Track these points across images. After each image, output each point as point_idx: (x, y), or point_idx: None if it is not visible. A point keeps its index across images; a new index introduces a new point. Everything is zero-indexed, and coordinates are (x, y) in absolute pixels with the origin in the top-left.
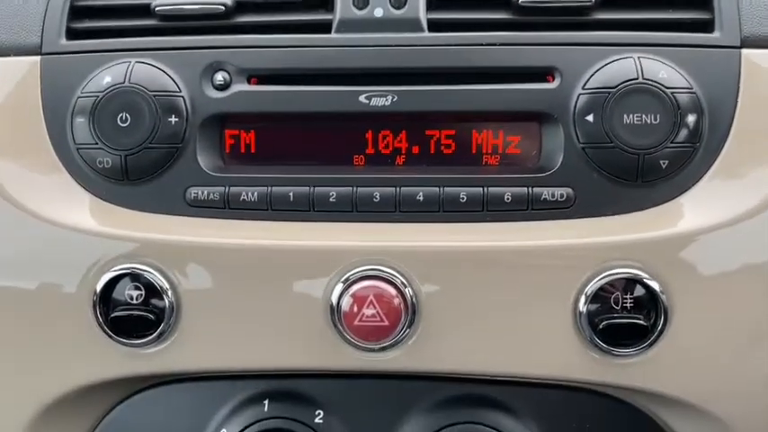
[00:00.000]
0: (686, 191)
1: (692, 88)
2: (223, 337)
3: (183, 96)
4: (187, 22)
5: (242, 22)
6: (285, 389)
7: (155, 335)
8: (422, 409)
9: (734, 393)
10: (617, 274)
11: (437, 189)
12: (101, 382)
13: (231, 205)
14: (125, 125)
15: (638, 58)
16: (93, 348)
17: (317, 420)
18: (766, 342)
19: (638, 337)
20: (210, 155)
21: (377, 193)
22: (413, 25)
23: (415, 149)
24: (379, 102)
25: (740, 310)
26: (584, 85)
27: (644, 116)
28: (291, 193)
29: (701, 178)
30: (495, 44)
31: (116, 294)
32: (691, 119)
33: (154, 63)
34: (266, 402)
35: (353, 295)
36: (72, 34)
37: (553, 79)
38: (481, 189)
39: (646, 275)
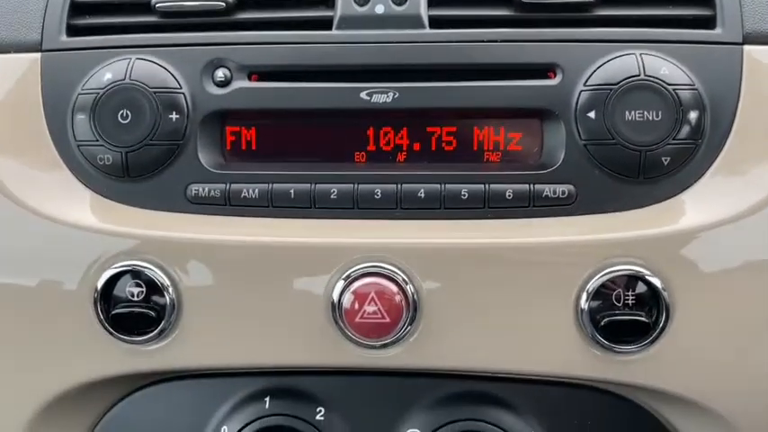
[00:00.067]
0: (688, 188)
1: (693, 85)
2: (224, 334)
3: (183, 93)
4: (188, 18)
5: (243, 19)
6: (286, 386)
7: (156, 332)
8: (423, 406)
9: (736, 390)
10: (619, 270)
11: (438, 186)
12: (102, 380)
13: (232, 202)
14: (126, 122)
15: (640, 54)
16: (94, 345)
17: (318, 417)
18: None
19: (640, 334)
20: (211, 152)
21: (378, 189)
22: (414, 22)
23: (417, 146)
24: (380, 98)
25: (742, 307)
26: (586, 81)
27: (646, 113)
28: (292, 190)
29: (702, 175)
30: (496, 41)
31: (117, 291)
32: (692, 115)
33: (154, 60)
34: (267, 399)
35: (355, 292)
36: (72, 31)
37: (555, 76)
38: (482, 186)
39: (647, 272)
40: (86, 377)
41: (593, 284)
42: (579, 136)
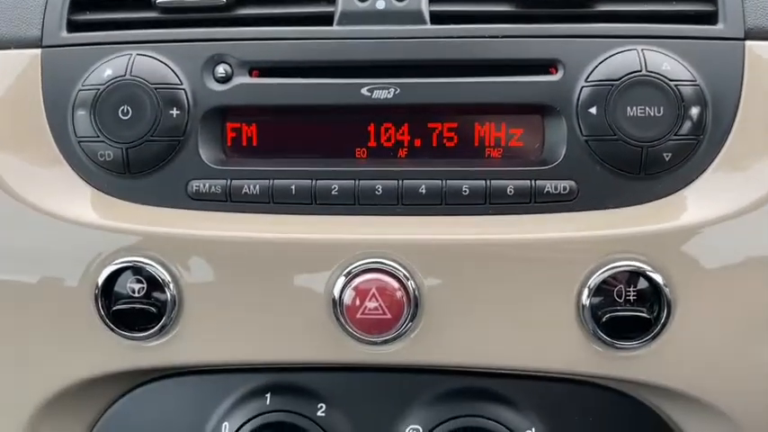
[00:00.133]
0: (690, 183)
1: (695, 80)
2: (225, 330)
3: (184, 89)
4: (188, 14)
5: (243, 14)
6: (287, 382)
7: (156, 328)
8: (424, 402)
9: (737, 387)
10: (620, 266)
11: (439, 182)
12: (103, 376)
13: (233, 198)
14: (126, 118)
15: (642, 50)
16: (95, 342)
17: (319, 414)
18: None
19: (642, 330)
20: (212, 148)
21: (379, 186)
22: (415, 17)
23: (418, 142)
24: (381, 94)
25: (744, 303)
26: (588, 77)
27: (647, 108)
28: (293, 187)
29: (704, 171)
30: (497, 36)
31: (118, 288)
32: (694, 111)
33: (155, 55)
34: (268, 395)
35: (356, 288)
36: (73, 27)
37: (556, 71)
38: (484, 182)
39: (649, 268)
40: (87, 373)
41: (594, 280)
42: (580, 132)
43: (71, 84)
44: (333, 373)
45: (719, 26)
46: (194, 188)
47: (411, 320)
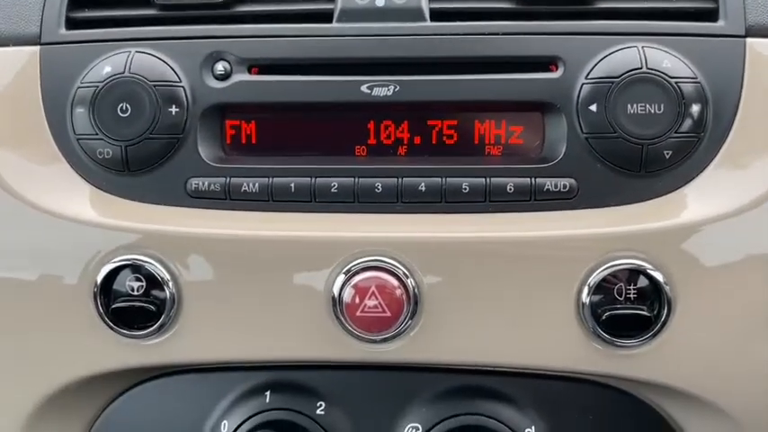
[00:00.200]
0: (690, 181)
1: (696, 78)
2: (224, 328)
3: (183, 86)
4: (187, 11)
5: (242, 12)
6: (287, 380)
7: (156, 326)
8: (423, 400)
9: (737, 385)
10: (620, 264)
11: (439, 180)
12: (102, 374)
13: (232, 196)
14: (125, 115)
15: (642, 47)
16: (95, 340)
17: (318, 412)
18: None
19: (642, 328)
20: (211, 145)
21: (378, 183)
22: (415, 14)
23: (417, 140)
24: (380, 92)
25: (744, 301)
26: (588, 74)
27: (648, 106)
28: (292, 184)
29: (704, 168)
30: (497, 33)
31: (117, 286)
32: (695, 109)
33: (154, 53)
34: (268, 394)
35: (355, 286)
36: (71, 24)
37: (556, 69)
38: (483, 180)
39: (649, 266)
40: (86, 371)
41: (594, 278)
42: (581, 129)
43: (70, 81)
44: (332, 371)
45: (720, 23)
46: (193, 186)
47: (410, 318)
